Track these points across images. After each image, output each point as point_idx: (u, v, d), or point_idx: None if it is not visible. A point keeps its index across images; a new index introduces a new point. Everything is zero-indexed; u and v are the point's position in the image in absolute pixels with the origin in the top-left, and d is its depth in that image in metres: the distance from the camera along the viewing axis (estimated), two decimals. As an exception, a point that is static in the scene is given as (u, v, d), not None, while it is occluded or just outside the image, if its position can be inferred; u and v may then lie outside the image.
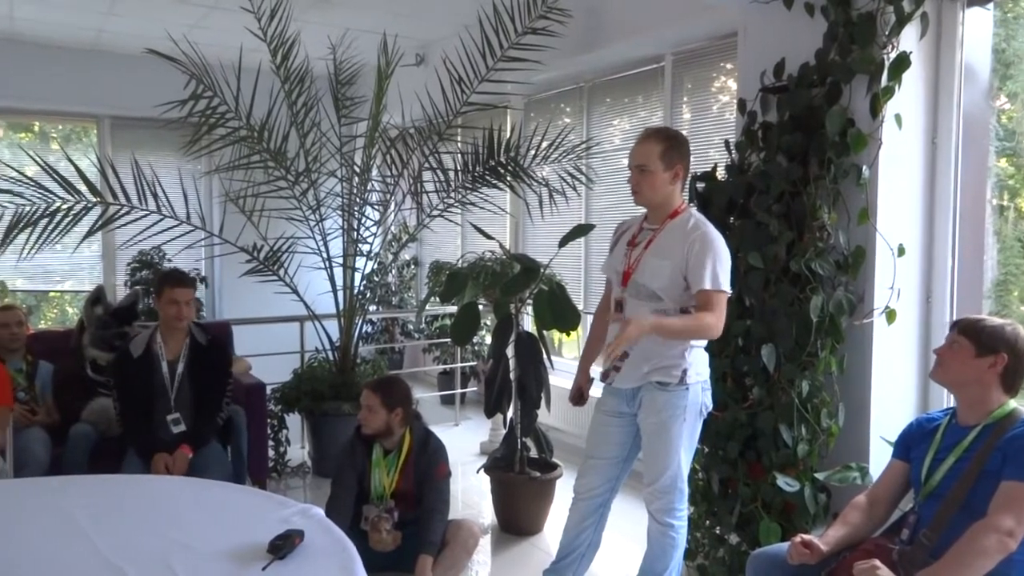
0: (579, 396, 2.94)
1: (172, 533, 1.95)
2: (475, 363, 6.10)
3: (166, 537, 1.93)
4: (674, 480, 2.57)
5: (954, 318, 2.98)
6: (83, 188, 3.99)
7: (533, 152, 4.55)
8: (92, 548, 1.86)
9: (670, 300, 2.51)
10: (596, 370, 2.86)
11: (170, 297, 3.26)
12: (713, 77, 4.32)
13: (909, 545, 2.01)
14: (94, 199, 4.03)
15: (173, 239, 4.32)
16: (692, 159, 2.67)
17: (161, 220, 4.23)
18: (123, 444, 3.26)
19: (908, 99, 2.93)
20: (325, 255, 4.67)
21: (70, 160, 4.18)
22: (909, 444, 2.19)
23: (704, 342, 2.60)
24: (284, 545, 1.79)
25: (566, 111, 5.51)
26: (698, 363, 2.56)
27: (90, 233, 4.02)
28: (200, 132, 4.24)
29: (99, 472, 3.11)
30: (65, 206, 3.93)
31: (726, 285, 2.48)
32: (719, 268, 2.46)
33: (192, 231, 4.36)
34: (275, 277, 4.61)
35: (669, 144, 2.56)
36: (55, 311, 7.28)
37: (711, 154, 4.22)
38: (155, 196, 4.19)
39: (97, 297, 3.88)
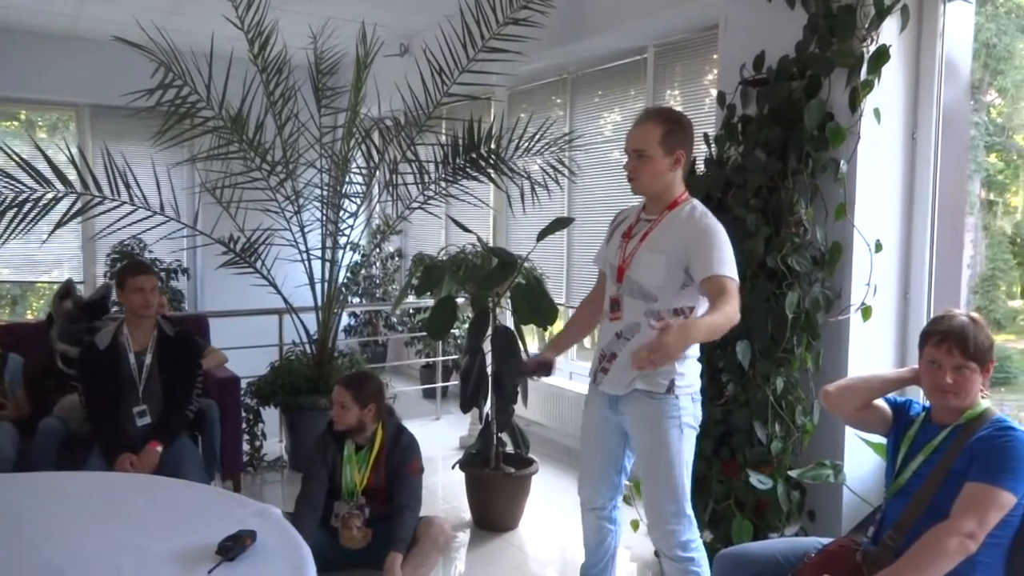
0: (538, 366, 2.68)
1: (124, 533, 1.91)
2: (457, 357, 6.05)
3: (116, 537, 1.88)
4: (680, 505, 2.33)
5: (931, 315, 2.95)
6: (53, 178, 3.92)
7: (515, 144, 4.50)
8: (35, 549, 1.81)
9: (664, 299, 2.29)
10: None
11: (134, 285, 3.20)
12: (703, 70, 4.26)
13: (874, 545, 1.98)
14: (64, 189, 3.96)
15: (147, 230, 4.26)
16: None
17: (135, 211, 4.16)
18: (90, 440, 3.21)
19: (887, 93, 2.89)
20: (303, 247, 4.62)
21: (39, 148, 4.11)
22: (897, 412, 2.14)
23: (698, 352, 2.38)
24: (234, 546, 1.75)
25: (554, 103, 5.45)
26: (690, 373, 2.35)
27: (59, 224, 3.93)
28: (169, 122, 4.15)
29: (67, 467, 3.07)
30: (34, 196, 3.86)
31: (734, 273, 2.22)
32: (725, 255, 2.22)
33: (167, 222, 4.29)
34: (252, 269, 4.55)
35: (670, 127, 2.29)
36: (41, 301, 7.23)
37: (700, 147, 4.15)
38: (127, 186, 4.12)
39: (66, 291, 3.82)
